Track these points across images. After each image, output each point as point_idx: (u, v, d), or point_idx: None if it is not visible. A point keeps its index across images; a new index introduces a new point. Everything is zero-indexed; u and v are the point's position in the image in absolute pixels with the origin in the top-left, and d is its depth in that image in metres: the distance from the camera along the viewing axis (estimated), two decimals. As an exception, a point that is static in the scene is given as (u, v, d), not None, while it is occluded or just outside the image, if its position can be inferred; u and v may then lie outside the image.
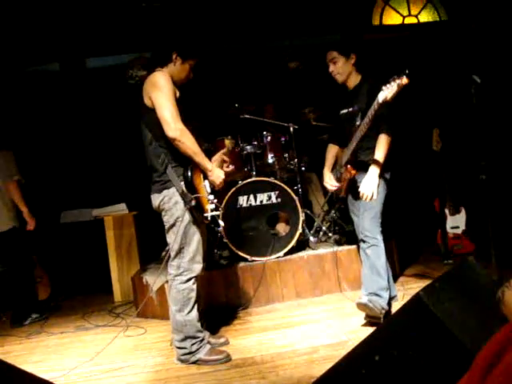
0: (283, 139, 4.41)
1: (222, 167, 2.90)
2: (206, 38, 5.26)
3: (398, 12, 6.36)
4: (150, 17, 5.50)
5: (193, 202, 2.60)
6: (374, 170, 2.99)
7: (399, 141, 3.15)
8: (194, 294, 2.75)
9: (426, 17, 6.39)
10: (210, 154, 2.96)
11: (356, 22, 6.16)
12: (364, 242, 3.11)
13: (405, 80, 2.56)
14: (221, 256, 4.13)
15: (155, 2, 5.42)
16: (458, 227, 4.55)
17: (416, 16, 6.37)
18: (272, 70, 5.82)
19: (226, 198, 3.89)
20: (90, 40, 5.61)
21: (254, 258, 3.89)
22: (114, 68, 5.74)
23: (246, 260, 3.90)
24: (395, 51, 6.01)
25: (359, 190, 3.02)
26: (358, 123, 2.96)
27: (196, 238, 2.74)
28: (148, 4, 5.41)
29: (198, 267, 2.77)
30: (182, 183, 2.62)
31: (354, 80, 3.22)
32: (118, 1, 5.35)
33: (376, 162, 3.00)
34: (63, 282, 5.23)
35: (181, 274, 2.73)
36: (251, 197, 3.95)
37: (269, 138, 4.29)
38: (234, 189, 3.90)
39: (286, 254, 3.92)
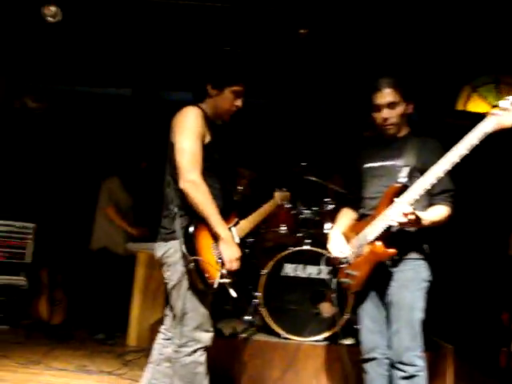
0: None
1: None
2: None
3: (485, 100, 6.00)
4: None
5: (191, 265, 2.11)
6: (427, 216, 2.21)
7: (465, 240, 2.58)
8: (201, 369, 2.24)
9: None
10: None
11: (438, 105, 5.84)
12: (399, 369, 2.24)
13: None
14: (251, 323, 3.66)
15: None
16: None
17: (505, 108, 5.99)
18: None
19: (274, 261, 3.50)
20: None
21: (288, 336, 3.41)
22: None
23: (278, 335, 3.43)
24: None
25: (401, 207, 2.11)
26: (403, 180, 2.22)
27: (205, 301, 2.25)
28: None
29: (205, 336, 2.25)
30: (182, 239, 2.16)
31: (402, 132, 2.44)
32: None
33: (429, 216, 2.23)
34: (80, 309, 4.93)
35: (185, 345, 2.22)
36: (300, 267, 3.52)
37: (331, 206, 3.89)
38: (283, 253, 3.50)
39: (325, 339, 3.43)
